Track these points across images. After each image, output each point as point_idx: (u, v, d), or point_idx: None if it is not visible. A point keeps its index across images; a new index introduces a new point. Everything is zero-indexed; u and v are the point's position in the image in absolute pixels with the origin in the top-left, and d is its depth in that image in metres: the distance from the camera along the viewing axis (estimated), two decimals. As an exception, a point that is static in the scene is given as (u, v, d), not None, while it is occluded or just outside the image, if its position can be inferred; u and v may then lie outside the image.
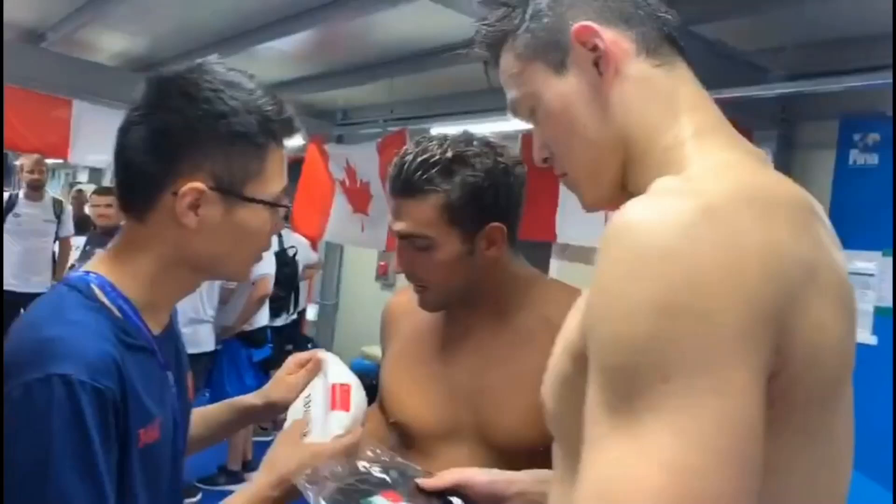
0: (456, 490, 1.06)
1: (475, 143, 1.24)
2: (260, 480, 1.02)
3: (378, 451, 1.12)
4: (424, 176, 1.20)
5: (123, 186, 0.96)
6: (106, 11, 4.36)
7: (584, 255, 4.90)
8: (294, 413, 1.18)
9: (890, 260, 3.52)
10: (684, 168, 0.71)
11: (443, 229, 1.21)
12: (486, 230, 1.23)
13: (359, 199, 5.87)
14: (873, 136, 3.63)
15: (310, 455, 1.04)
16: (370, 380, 4.92)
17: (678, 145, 0.74)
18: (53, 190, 12.04)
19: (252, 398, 1.27)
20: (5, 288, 4.89)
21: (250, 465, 4.47)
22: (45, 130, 5.31)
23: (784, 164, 3.80)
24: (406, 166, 1.22)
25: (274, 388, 1.24)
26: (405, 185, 1.23)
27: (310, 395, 1.18)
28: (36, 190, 5.45)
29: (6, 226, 5.18)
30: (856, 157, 3.70)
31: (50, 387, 0.78)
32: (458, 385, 1.26)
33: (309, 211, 5.72)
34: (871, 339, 3.58)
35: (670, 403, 0.55)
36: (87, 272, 0.94)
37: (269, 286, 4.26)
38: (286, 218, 4.14)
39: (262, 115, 0.93)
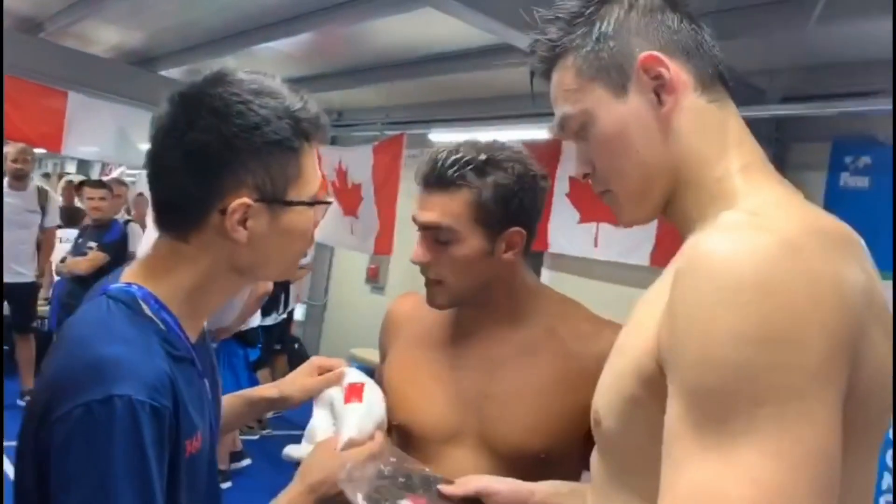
0: (476, 498, 1.09)
1: (507, 149, 1.28)
2: (294, 489, 1.04)
3: (399, 457, 1.15)
4: (458, 172, 1.23)
5: (164, 208, 0.94)
6: (105, 4, 4.35)
7: (574, 266, 4.92)
8: (318, 423, 1.22)
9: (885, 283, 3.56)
10: (736, 199, 0.75)
11: (468, 225, 1.24)
12: (508, 233, 1.26)
13: (349, 201, 5.87)
14: (865, 160, 3.67)
15: (339, 466, 1.06)
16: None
17: (728, 177, 0.78)
18: (40, 180, 12.02)
19: (268, 390, 1.30)
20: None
21: (239, 456, 4.50)
22: (39, 121, 5.28)
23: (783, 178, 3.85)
24: (440, 162, 1.25)
25: (289, 386, 1.27)
26: (438, 178, 1.25)
27: (330, 404, 1.22)
28: (19, 180, 5.25)
29: None
30: (847, 179, 3.74)
31: (111, 407, 0.79)
32: (462, 390, 1.28)
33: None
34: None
35: (763, 427, 0.59)
36: (129, 283, 0.93)
37: (270, 285, 4.27)
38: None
39: (293, 117, 0.92)
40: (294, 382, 1.27)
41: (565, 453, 1.21)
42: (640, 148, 0.81)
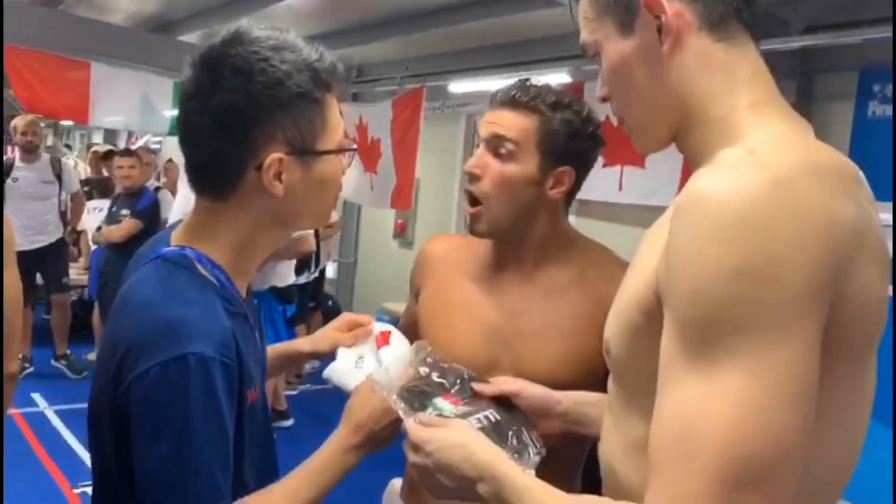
0: (508, 397, 1.16)
1: (577, 99, 1.37)
2: (340, 431, 1.08)
3: (436, 357, 1.20)
4: (536, 100, 1.31)
5: (198, 171, 0.97)
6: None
7: (599, 211, 4.92)
8: (344, 367, 1.27)
9: (908, 211, 3.53)
10: (741, 137, 0.77)
11: (530, 147, 1.30)
12: (560, 171, 1.32)
13: (369, 156, 5.90)
14: (892, 88, 3.60)
15: (379, 402, 1.09)
16: (392, 335, 4.85)
17: (734, 114, 0.79)
18: (72, 152, 12.16)
19: (301, 344, 1.37)
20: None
21: (286, 414, 4.65)
22: (65, 94, 5.36)
23: (803, 115, 3.74)
24: (520, 87, 1.32)
25: (321, 340, 1.31)
26: (515, 99, 1.32)
27: (362, 356, 1.27)
28: (30, 152, 5.18)
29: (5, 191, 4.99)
30: (874, 108, 3.67)
31: (186, 364, 0.84)
32: (496, 327, 1.35)
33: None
34: (888, 290, 3.62)
35: (742, 352, 0.65)
36: (182, 247, 0.97)
37: (312, 243, 4.37)
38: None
39: (313, 69, 0.94)
40: (326, 337, 1.31)
41: (590, 386, 1.26)
42: (643, 84, 0.84)
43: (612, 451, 0.89)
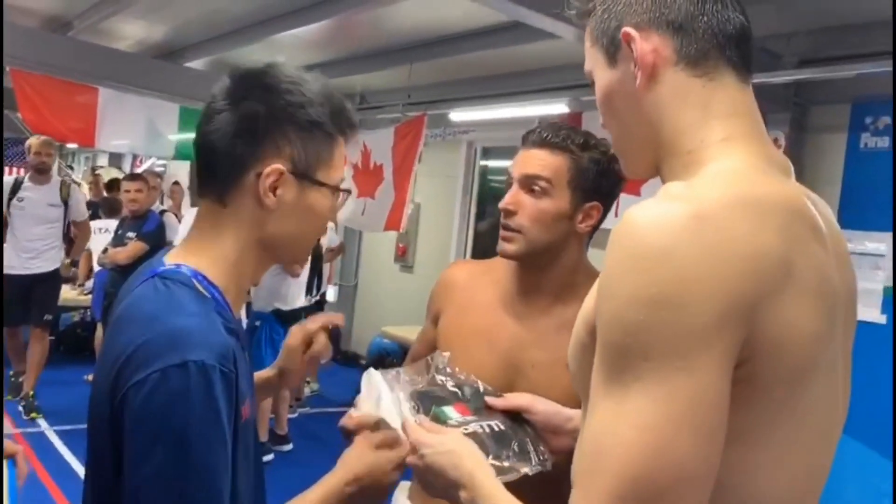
0: (520, 413, 1.21)
1: (602, 139, 1.43)
2: (335, 476, 1.07)
3: (455, 368, 1.25)
4: (567, 140, 1.40)
5: (206, 169, 1.01)
6: (130, 0, 4.46)
7: (596, 239, 4.97)
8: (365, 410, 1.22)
9: (902, 240, 3.57)
10: (700, 170, 0.79)
11: (562, 184, 1.40)
12: (589, 206, 1.42)
13: (368, 182, 5.96)
14: (884, 120, 3.67)
15: (379, 458, 1.08)
16: (391, 358, 5.09)
17: (702, 149, 0.80)
18: (76, 174, 12.24)
19: (266, 372, 1.32)
20: (5, 271, 4.44)
21: (287, 439, 4.66)
22: (71, 117, 5.39)
23: (796, 147, 3.85)
24: (551, 129, 1.43)
25: (284, 358, 1.30)
26: (545, 140, 1.42)
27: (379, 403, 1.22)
28: (42, 173, 5.06)
29: (11, 210, 4.92)
30: (867, 140, 3.74)
31: (187, 371, 0.85)
32: (513, 355, 1.42)
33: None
34: (881, 318, 3.64)
35: (647, 378, 0.68)
36: (178, 265, 0.98)
37: (302, 267, 4.44)
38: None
39: (334, 106, 1.02)
40: (288, 353, 1.29)
41: None
42: (623, 115, 0.87)
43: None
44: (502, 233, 1.42)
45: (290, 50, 5.01)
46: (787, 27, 3.60)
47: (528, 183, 1.40)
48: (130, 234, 5.00)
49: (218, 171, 1.00)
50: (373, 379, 1.23)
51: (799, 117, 3.88)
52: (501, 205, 1.41)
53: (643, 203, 0.73)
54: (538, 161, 1.40)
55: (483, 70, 5.29)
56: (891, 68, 3.19)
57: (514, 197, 1.41)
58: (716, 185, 0.75)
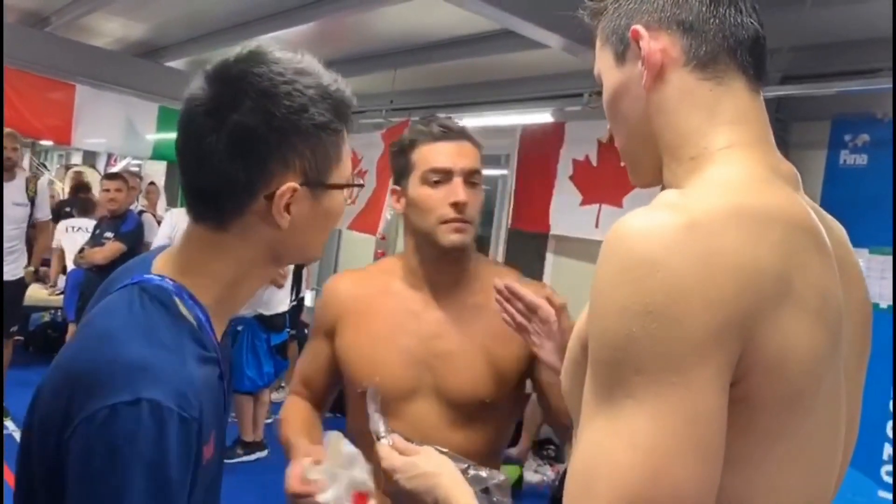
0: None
1: None
2: None
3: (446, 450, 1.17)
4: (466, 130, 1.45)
5: (202, 196, 0.88)
6: (111, -2, 4.41)
7: (577, 250, 4.98)
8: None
9: (878, 257, 3.62)
10: (698, 177, 0.76)
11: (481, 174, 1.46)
12: None
13: None
14: (863, 137, 3.71)
15: None
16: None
17: (704, 156, 0.78)
18: (49, 172, 12.06)
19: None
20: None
21: (262, 445, 4.57)
22: (48, 114, 5.33)
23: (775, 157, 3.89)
24: (450, 121, 1.45)
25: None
26: (462, 131, 1.45)
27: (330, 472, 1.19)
28: (6, 169, 4.57)
29: None
30: (846, 157, 3.78)
31: (138, 411, 0.74)
32: (416, 352, 1.41)
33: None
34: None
35: (641, 394, 0.64)
36: (163, 277, 0.88)
37: (288, 271, 4.39)
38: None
39: (335, 99, 0.89)
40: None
41: (504, 397, 1.41)
42: (628, 115, 0.85)
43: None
44: (456, 225, 1.39)
45: (272, 52, 4.96)
46: (770, 44, 3.61)
47: (469, 176, 1.41)
48: (108, 234, 4.92)
49: (217, 197, 0.87)
50: (338, 447, 1.19)
51: (781, 133, 3.91)
52: (459, 199, 1.38)
53: (635, 212, 0.70)
54: (472, 154, 1.44)
55: (467, 77, 5.27)
56: (875, 86, 3.23)
57: (465, 191, 1.40)
58: (711, 195, 0.72)
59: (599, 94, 0.90)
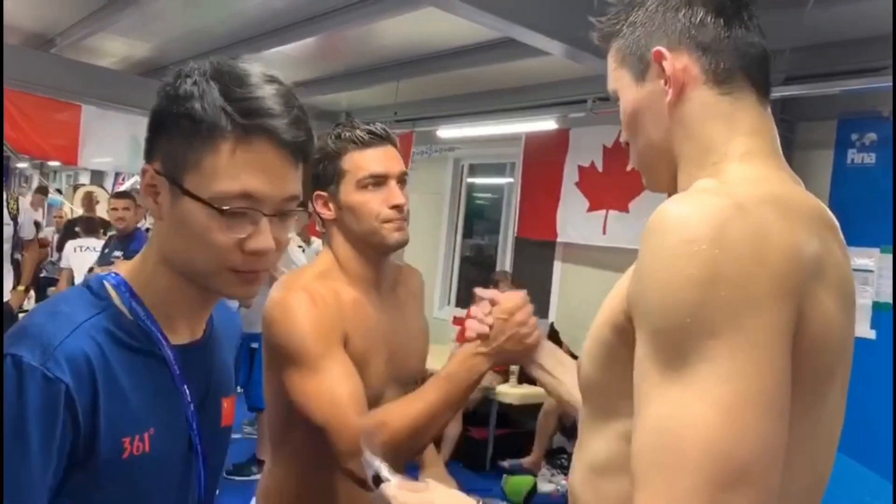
0: None
1: None
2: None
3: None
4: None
5: None
6: (113, 18, 4.43)
7: (584, 257, 4.97)
8: None
9: (889, 256, 3.59)
10: (721, 176, 0.82)
11: None
12: None
13: None
14: (870, 136, 3.69)
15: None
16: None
17: (726, 160, 0.84)
18: (62, 195, 12.13)
19: None
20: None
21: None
22: (55, 135, 5.36)
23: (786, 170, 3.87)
24: (372, 126, 1.50)
25: None
26: (388, 135, 1.51)
27: None
28: None
29: None
30: (853, 156, 3.76)
31: (6, 366, 0.76)
32: (385, 349, 1.48)
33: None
34: (871, 334, 3.65)
35: (714, 356, 0.67)
36: (110, 273, 0.92)
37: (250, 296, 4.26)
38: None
39: (226, 101, 0.82)
40: None
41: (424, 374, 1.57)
42: (649, 130, 0.90)
43: (575, 477, 0.92)
44: (398, 224, 1.47)
45: (275, 67, 4.84)
46: (773, 44, 3.60)
47: (401, 178, 1.49)
48: (117, 253, 4.92)
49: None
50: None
51: (786, 134, 3.89)
52: (399, 201, 1.46)
53: (676, 197, 0.75)
54: (399, 156, 1.52)
55: (470, 87, 5.28)
56: (877, 84, 3.21)
57: (400, 192, 1.47)
58: (748, 184, 0.78)
59: (603, 99, 0.94)
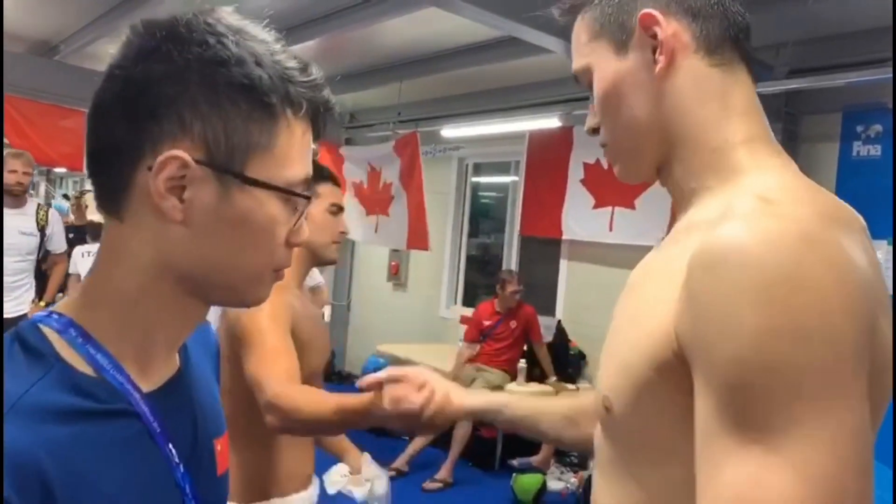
0: None
1: None
2: None
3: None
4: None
5: (94, 169, 0.68)
6: (116, 24, 4.45)
7: (590, 254, 4.96)
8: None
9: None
10: (739, 175, 0.75)
11: None
12: None
13: (379, 201, 6.01)
14: (876, 128, 3.67)
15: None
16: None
17: (729, 149, 0.77)
18: (69, 202, 12.13)
19: None
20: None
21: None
22: (60, 142, 5.38)
23: (789, 156, 3.86)
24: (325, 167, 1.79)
25: None
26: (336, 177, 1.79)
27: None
28: (15, 195, 4.11)
29: None
30: (859, 148, 3.74)
31: None
32: (317, 338, 1.80)
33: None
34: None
35: (804, 420, 0.59)
36: (51, 313, 0.68)
37: (328, 295, 4.23)
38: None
39: (280, 69, 0.67)
40: None
41: None
42: (633, 105, 0.81)
43: None
44: (338, 245, 1.81)
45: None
46: (776, 38, 3.60)
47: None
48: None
49: (104, 169, 0.67)
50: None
51: (791, 127, 3.88)
52: (346, 230, 1.83)
53: (730, 224, 0.66)
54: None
55: (474, 86, 5.28)
56: (881, 76, 3.20)
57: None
58: (797, 201, 0.68)
59: None
